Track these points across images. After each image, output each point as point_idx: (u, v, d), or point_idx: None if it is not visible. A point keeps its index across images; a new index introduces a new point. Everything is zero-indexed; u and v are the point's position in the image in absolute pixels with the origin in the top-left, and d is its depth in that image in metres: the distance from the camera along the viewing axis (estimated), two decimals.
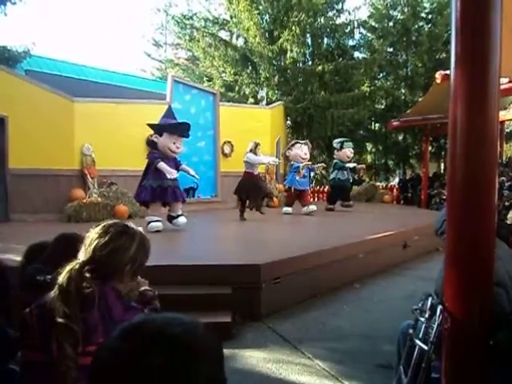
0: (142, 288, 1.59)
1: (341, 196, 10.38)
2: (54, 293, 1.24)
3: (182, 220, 6.60)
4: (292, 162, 9.56)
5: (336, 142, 10.62)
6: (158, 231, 6.19)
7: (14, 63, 11.86)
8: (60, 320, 1.18)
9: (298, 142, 9.67)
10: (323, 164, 10.88)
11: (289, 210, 9.44)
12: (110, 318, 1.26)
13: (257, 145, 8.11)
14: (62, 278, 1.25)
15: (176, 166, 6.57)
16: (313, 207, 9.29)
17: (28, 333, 1.23)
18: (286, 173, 13.86)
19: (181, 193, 6.58)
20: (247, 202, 8.17)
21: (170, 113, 6.84)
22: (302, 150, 9.38)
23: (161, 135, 6.43)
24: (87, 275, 1.28)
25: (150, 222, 6.32)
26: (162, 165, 6.21)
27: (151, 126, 6.70)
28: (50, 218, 7.78)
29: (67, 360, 1.15)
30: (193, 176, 6.94)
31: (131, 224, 1.48)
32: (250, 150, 8.04)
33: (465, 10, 1.71)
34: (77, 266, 1.29)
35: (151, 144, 6.66)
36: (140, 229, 1.49)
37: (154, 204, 6.47)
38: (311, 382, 2.91)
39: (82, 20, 53.70)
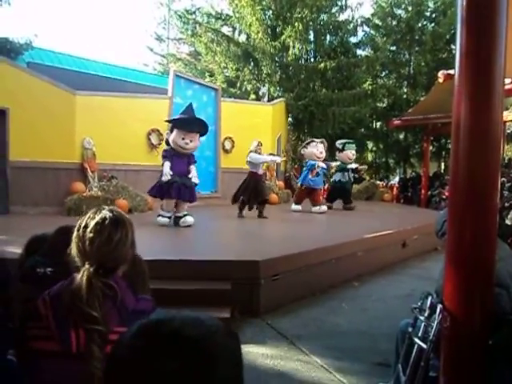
0: None
1: (341, 197, 10.33)
2: (73, 292, 1.24)
3: (189, 219, 6.54)
4: (307, 160, 9.42)
5: (338, 143, 10.56)
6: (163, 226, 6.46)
7: (16, 55, 11.80)
8: (90, 326, 1.20)
9: (313, 141, 9.52)
10: (338, 163, 10.64)
11: (298, 207, 9.34)
12: (124, 307, 1.28)
13: (258, 144, 8.09)
14: (83, 287, 1.25)
15: (188, 164, 6.57)
16: (324, 207, 9.23)
17: (40, 322, 1.24)
18: (286, 170, 13.87)
19: (190, 192, 6.50)
20: (247, 202, 8.07)
21: (186, 109, 6.76)
22: (317, 149, 9.28)
23: (172, 131, 6.45)
24: (101, 275, 1.29)
25: (158, 216, 6.58)
26: (164, 165, 6.35)
27: (167, 121, 6.96)
28: (50, 210, 7.77)
29: (95, 361, 1.16)
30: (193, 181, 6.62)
31: (114, 209, 1.46)
32: (254, 150, 7.99)
33: (470, 9, 1.70)
34: (91, 271, 1.28)
35: (167, 141, 6.70)
36: (118, 209, 1.48)
37: (168, 200, 6.52)
38: (309, 378, 2.92)
39: (84, 13, 53.50)
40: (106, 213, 1.39)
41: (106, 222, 1.36)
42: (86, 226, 1.36)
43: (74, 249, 1.35)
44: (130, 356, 0.56)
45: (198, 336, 0.56)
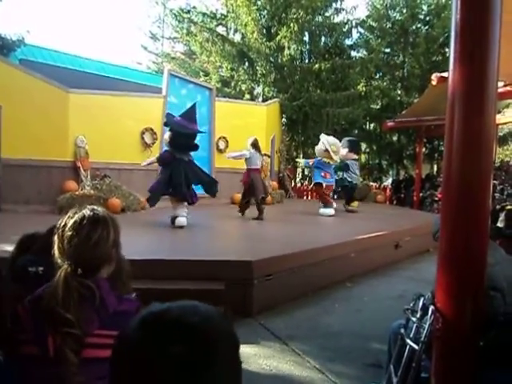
0: None
1: (347, 197, 10.17)
2: (50, 293, 1.22)
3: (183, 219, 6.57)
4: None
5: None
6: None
7: (8, 52, 11.68)
8: (63, 328, 1.17)
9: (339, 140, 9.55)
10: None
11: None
12: (104, 309, 1.25)
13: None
14: (59, 287, 1.23)
15: None
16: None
17: (21, 327, 1.22)
18: (280, 171, 13.85)
19: None
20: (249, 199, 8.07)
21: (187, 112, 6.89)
22: None
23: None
24: (80, 275, 1.26)
25: (183, 217, 6.42)
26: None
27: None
28: (42, 209, 7.71)
29: (71, 366, 1.14)
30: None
31: (95, 208, 1.44)
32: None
33: (465, 12, 1.71)
34: (69, 270, 1.26)
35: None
36: (101, 209, 1.46)
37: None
38: (301, 379, 2.92)
39: (78, 10, 53.11)
40: (85, 212, 1.38)
41: (85, 220, 1.35)
42: (65, 225, 1.35)
43: (55, 249, 1.33)
44: (135, 348, 0.59)
45: (197, 321, 0.60)
